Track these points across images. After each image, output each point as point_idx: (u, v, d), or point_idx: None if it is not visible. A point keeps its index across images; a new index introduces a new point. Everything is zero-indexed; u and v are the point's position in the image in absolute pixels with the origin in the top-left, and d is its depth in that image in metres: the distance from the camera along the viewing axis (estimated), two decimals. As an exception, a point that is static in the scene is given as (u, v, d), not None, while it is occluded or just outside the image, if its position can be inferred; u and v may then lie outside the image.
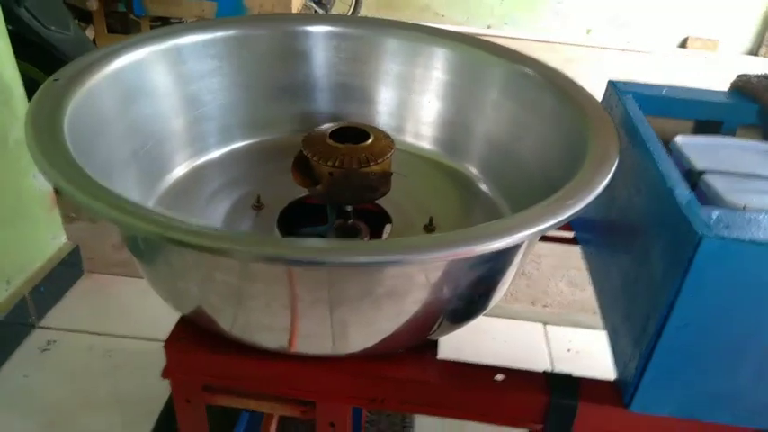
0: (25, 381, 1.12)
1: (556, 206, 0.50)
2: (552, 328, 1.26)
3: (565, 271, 1.43)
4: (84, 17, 2.28)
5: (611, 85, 0.75)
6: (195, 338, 0.60)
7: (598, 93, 0.72)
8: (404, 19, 0.86)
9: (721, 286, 0.47)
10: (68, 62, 0.65)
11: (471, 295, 0.57)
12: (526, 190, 0.71)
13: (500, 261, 0.56)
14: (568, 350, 1.21)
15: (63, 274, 1.32)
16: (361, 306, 0.52)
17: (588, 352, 1.20)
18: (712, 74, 2.72)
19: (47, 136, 0.53)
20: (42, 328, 1.23)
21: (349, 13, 2.88)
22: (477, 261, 0.52)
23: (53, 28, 1.48)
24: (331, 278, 0.49)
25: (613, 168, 0.56)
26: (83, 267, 1.38)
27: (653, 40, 3.17)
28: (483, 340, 1.09)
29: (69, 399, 1.09)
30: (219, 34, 0.77)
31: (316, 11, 2.68)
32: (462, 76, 0.78)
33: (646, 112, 0.69)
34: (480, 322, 0.62)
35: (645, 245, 0.57)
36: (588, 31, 3.25)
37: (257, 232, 0.43)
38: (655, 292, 0.52)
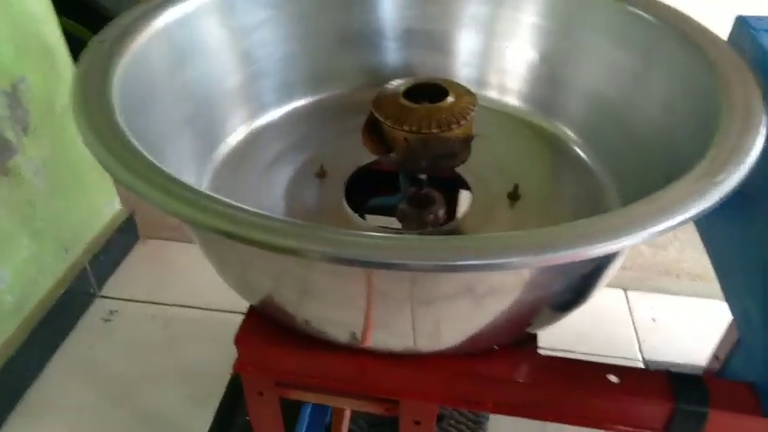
0: (90, 352, 1.12)
1: (702, 184, 0.40)
2: (634, 294, 1.16)
3: (645, 230, 1.32)
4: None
5: (742, 21, 0.62)
6: (268, 332, 0.54)
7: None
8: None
9: None
10: (110, 16, 0.58)
11: (578, 288, 0.49)
12: (634, 157, 0.60)
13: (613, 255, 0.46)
14: (653, 320, 1.11)
15: (119, 241, 1.30)
16: (452, 306, 0.44)
17: (675, 322, 1.11)
18: None
19: (95, 110, 0.47)
20: (104, 297, 1.22)
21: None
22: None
23: (94, -20, 1.41)
24: (417, 278, 0.41)
25: (764, 127, 0.46)
26: (138, 233, 1.36)
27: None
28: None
29: (133, 371, 1.08)
30: (275, -21, 0.69)
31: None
32: (557, 18, 0.67)
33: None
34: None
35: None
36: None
37: (335, 228, 0.36)
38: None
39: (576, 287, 0.48)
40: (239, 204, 0.39)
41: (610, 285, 1.18)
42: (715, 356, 0.81)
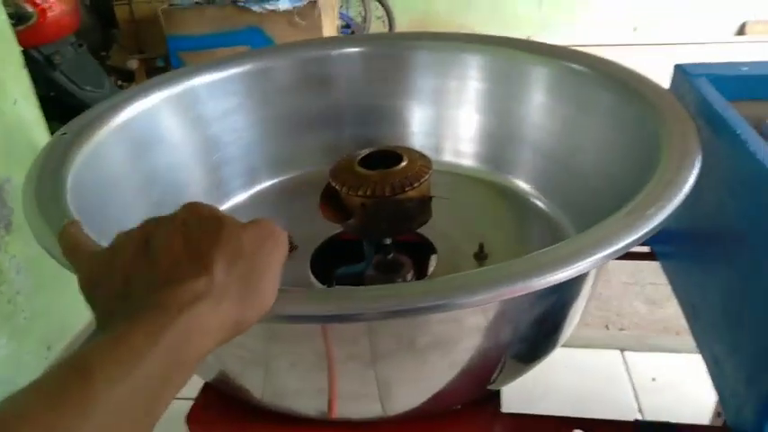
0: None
1: (633, 218, 0.41)
2: (631, 354, 1.12)
3: (640, 288, 1.29)
4: (127, 77, 2.35)
5: (680, 69, 0.64)
6: (222, 408, 0.53)
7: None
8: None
9: None
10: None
11: (535, 335, 0.48)
12: (590, 202, 0.61)
13: (567, 291, 0.46)
14: (653, 379, 1.06)
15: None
16: (405, 361, 0.43)
17: (676, 380, 1.05)
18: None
19: (48, 199, 0.48)
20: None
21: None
22: (540, 295, 0.42)
23: (88, 88, 1.50)
24: (369, 331, 0.41)
25: (698, 165, 0.46)
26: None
27: (707, 31, 2.95)
28: (555, 373, 0.96)
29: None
30: (236, 70, 0.72)
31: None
32: (502, 82, 0.70)
33: (725, 97, 0.58)
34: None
35: (752, 259, 0.46)
36: (635, 29, 3.07)
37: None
38: (774, 318, 0.41)
39: (524, 338, 0.47)
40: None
41: (606, 347, 1.15)
42: (717, 413, 0.77)
